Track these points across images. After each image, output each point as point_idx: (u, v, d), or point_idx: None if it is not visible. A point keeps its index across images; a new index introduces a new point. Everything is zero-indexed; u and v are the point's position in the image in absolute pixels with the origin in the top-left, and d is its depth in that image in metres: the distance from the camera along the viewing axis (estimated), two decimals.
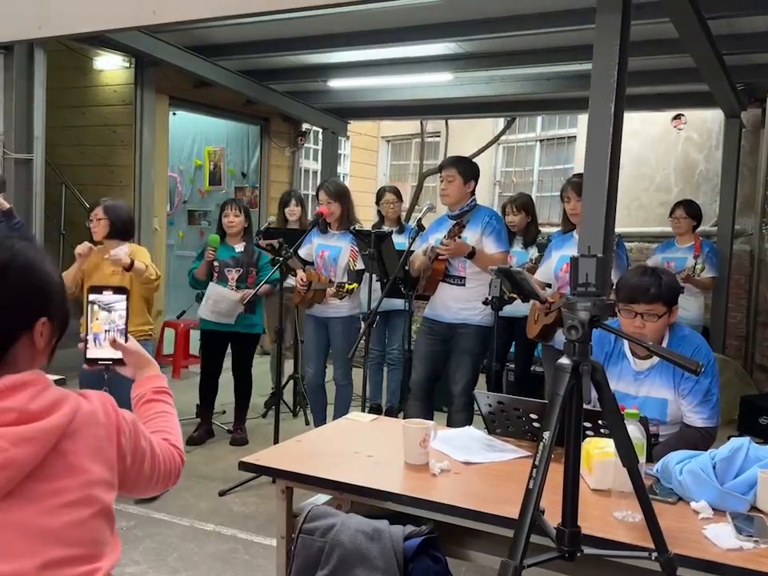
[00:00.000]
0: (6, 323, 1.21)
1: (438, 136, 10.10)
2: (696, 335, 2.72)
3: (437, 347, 4.16)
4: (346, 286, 4.28)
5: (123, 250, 3.91)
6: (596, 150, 2.91)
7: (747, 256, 6.91)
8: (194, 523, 3.64)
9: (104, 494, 1.23)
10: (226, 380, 5.01)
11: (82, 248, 3.85)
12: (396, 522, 1.98)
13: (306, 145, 8.91)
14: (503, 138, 9.24)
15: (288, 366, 5.87)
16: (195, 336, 6.46)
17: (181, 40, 5.82)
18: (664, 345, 2.61)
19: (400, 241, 4.98)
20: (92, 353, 1.50)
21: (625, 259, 3.90)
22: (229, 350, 4.94)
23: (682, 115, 7.32)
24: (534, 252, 5.07)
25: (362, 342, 3.83)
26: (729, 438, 2.16)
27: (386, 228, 5.38)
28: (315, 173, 9.51)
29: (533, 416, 2.41)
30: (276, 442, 4.04)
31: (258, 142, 8.42)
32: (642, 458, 1.93)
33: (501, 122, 9.13)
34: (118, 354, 1.51)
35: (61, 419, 1.18)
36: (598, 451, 2.05)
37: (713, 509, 1.90)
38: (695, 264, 5.23)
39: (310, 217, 5.79)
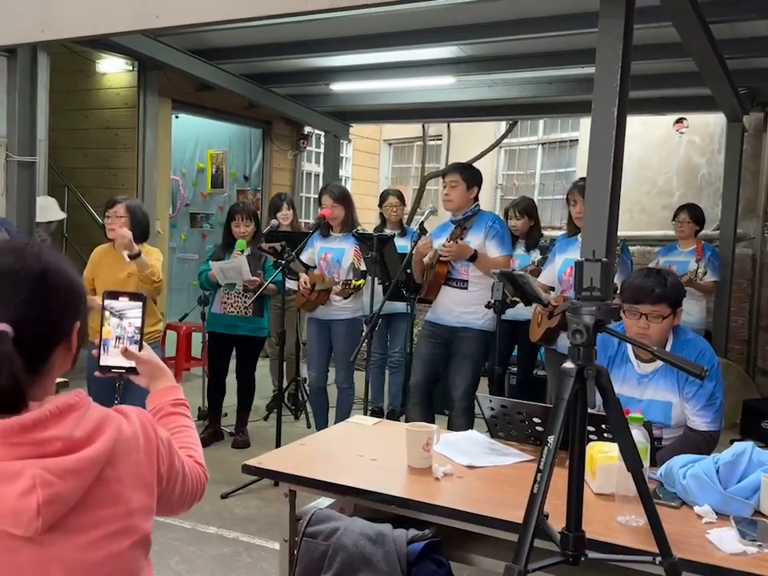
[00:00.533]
0: (55, 332, 1.17)
1: (440, 139, 10.11)
2: (700, 339, 2.72)
3: (437, 350, 4.16)
4: (353, 282, 4.28)
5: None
6: (599, 154, 2.90)
7: (749, 260, 6.90)
8: (196, 526, 3.63)
9: (143, 522, 1.19)
10: (229, 383, 5.02)
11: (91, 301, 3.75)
12: (399, 526, 1.98)
13: (308, 148, 8.92)
14: (505, 141, 9.24)
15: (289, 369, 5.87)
16: (197, 339, 6.48)
17: (184, 43, 5.83)
18: (668, 348, 2.61)
19: (402, 244, 4.98)
20: (105, 360, 1.45)
21: (629, 264, 3.91)
22: (233, 353, 4.95)
23: (685, 119, 7.32)
24: (536, 255, 5.08)
25: (363, 345, 3.84)
26: (731, 443, 2.16)
27: (388, 231, 5.38)
28: (317, 176, 9.51)
29: (536, 420, 2.41)
30: (278, 444, 4.05)
31: (260, 145, 8.43)
32: (646, 463, 1.93)
33: (503, 126, 9.13)
34: (131, 363, 1.45)
35: (105, 446, 1.12)
36: (602, 455, 2.05)
37: (716, 513, 1.89)
38: (697, 268, 5.22)
39: (310, 220, 5.80)
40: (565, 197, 4.32)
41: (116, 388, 2.92)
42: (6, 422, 1.05)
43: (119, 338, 1.42)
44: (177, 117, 7.36)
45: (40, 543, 1.07)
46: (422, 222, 4.24)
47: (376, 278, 4.38)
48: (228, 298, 4.79)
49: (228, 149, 8.59)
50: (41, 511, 1.04)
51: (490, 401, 2.52)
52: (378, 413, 5.48)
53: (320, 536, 1.99)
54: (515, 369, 5.44)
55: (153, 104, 6.47)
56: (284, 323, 4.32)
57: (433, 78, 6.46)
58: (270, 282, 4.36)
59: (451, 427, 3.96)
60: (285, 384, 5.48)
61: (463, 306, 4.06)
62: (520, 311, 4.47)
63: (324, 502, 2.25)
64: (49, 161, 5.36)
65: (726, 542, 1.74)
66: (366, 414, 3.87)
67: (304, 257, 4.59)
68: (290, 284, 4.64)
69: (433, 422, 3.12)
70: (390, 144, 11.28)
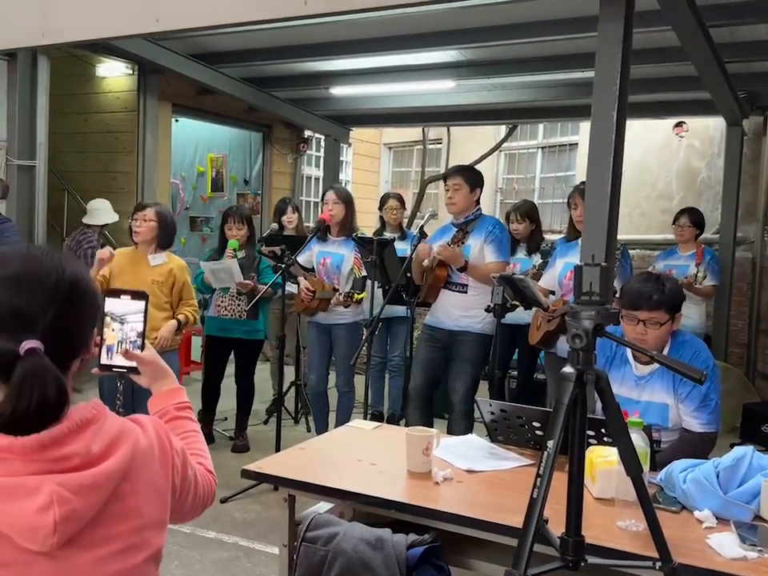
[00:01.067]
0: (79, 343, 1.17)
1: (440, 143, 10.11)
2: (696, 340, 2.72)
3: (437, 354, 4.15)
4: (355, 296, 4.29)
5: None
6: (598, 157, 2.90)
7: (749, 264, 6.91)
8: (196, 530, 3.62)
9: (156, 537, 1.19)
10: (228, 387, 5.01)
11: (104, 253, 3.76)
12: (399, 531, 1.97)
13: (308, 152, 8.92)
14: (505, 145, 9.25)
15: (289, 373, 5.86)
16: (197, 343, 6.48)
17: (184, 47, 5.84)
18: (665, 351, 2.61)
19: (402, 247, 4.98)
20: (106, 359, 1.41)
21: (628, 269, 3.90)
22: (231, 357, 4.95)
23: (684, 123, 7.32)
24: (537, 259, 5.06)
25: (363, 348, 3.83)
26: (731, 447, 2.16)
27: (387, 234, 5.38)
28: (317, 180, 9.52)
29: (536, 424, 2.40)
30: (278, 449, 4.04)
31: (261, 148, 8.44)
32: (646, 467, 1.92)
33: (503, 130, 9.14)
34: (133, 363, 1.42)
35: (121, 460, 1.12)
36: (602, 460, 2.05)
37: (716, 518, 1.89)
38: (696, 272, 5.23)
39: (309, 223, 5.80)
40: (565, 200, 4.32)
41: (118, 389, 2.93)
42: (25, 440, 1.05)
43: (121, 342, 1.39)
44: (177, 120, 7.36)
45: (54, 558, 1.07)
46: (422, 225, 4.24)
47: (376, 282, 4.38)
48: (222, 301, 4.80)
49: (228, 152, 8.59)
50: (57, 528, 1.04)
51: (490, 405, 2.51)
52: (378, 416, 5.48)
53: (319, 541, 1.98)
54: (515, 373, 5.43)
55: (153, 108, 6.48)
56: (284, 327, 4.32)
57: (433, 82, 6.47)
58: (269, 287, 4.37)
59: (451, 431, 3.95)
60: (285, 388, 5.50)
61: (462, 310, 4.05)
62: (520, 315, 4.47)
63: (323, 506, 2.25)
64: (49, 164, 5.36)
65: (726, 546, 1.74)
66: (366, 417, 3.86)
67: (301, 259, 4.58)
68: (290, 288, 4.64)
69: (432, 426, 3.12)
70: (390, 148, 11.29)
